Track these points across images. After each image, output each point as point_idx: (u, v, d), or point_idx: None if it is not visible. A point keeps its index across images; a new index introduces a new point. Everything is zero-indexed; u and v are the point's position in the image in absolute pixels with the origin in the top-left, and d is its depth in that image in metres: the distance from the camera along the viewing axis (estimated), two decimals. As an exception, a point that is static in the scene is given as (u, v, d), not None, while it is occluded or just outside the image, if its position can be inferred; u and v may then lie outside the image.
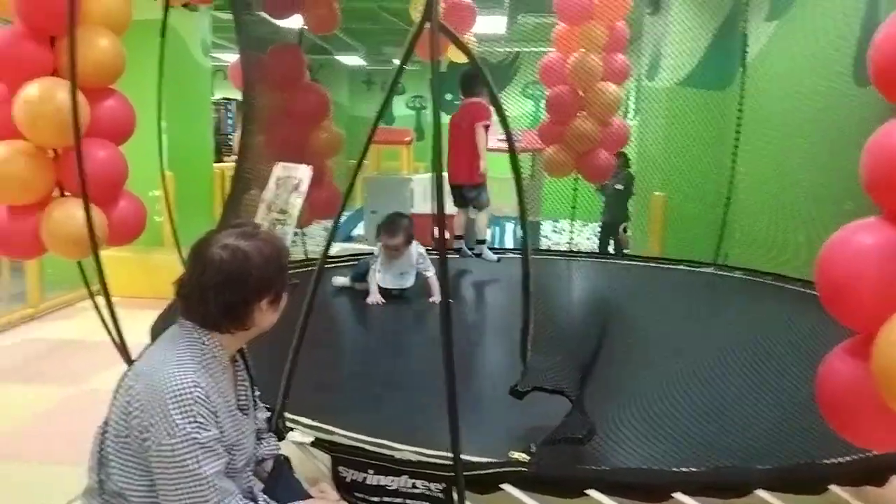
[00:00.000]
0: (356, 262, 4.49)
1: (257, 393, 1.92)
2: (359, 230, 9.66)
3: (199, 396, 1.53)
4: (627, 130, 5.83)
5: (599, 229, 7.87)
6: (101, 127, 2.83)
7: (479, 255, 4.82)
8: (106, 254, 6.39)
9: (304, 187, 2.27)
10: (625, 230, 7.38)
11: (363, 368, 3.11)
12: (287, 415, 2.16)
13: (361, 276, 4.12)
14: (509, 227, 8.24)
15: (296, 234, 5.42)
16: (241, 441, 1.71)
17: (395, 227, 3.99)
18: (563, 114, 5.52)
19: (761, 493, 1.93)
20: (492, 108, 4.49)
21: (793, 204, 5.10)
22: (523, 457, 1.97)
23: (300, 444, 2.10)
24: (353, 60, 14.39)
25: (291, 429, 2.14)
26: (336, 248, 8.63)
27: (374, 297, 3.92)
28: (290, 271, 1.77)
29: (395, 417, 2.42)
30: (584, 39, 5.32)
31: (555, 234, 10.13)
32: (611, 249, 7.49)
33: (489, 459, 1.97)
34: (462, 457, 1.85)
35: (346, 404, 2.56)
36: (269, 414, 2.05)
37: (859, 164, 1.56)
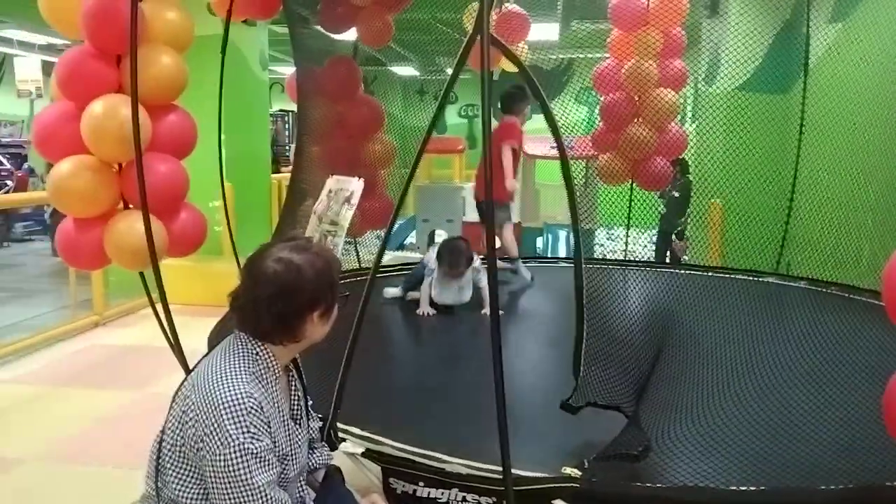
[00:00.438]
0: (409, 272, 4.49)
1: (310, 403, 1.94)
2: (411, 238, 9.71)
3: (252, 407, 1.56)
4: (685, 137, 5.71)
5: (656, 237, 7.70)
6: (162, 142, 2.92)
7: (514, 272, 4.69)
8: (167, 263, 6.54)
9: (355, 200, 2.29)
10: (679, 236, 7.16)
11: (415, 380, 3.11)
12: (339, 425, 2.17)
13: (414, 286, 4.10)
14: (562, 234, 8.17)
15: (349, 242, 5.49)
16: (294, 451, 1.73)
17: (458, 258, 3.90)
18: (617, 121, 5.45)
19: (826, 514, 1.85)
20: (524, 129, 4.45)
21: (859, 212, 4.91)
22: (576, 472, 1.94)
23: (352, 455, 2.11)
24: (406, 71, 14.52)
25: (344, 439, 2.15)
26: (388, 257, 8.71)
27: (425, 308, 3.91)
28: (341, 283, 1.79)
29: (446, 430, 2.41)
30: (640, 46, 5.25)
31: (610, 242, 9.98)
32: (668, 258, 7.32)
33: (541, 474, 1.95)
34: (513, 471, 1.83)
35: (398, 416, 2.56)
36: (321, 424, 2.07)
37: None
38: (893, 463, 1.89)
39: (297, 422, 1.81)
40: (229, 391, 1.56)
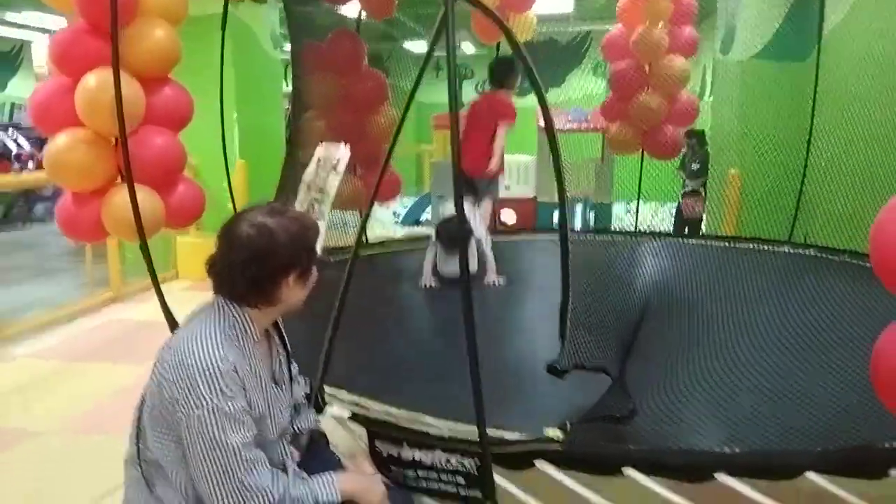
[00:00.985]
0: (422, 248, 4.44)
1: (295, 367, 1.95)
2: (426, 215, 9.70)
3: (226, 369, 1.57)
4: (696, 105, 5.61)
5: (675, 211, 7.57)
6: (157, 115, 2.93)
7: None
8: (181, 240, 6.57)
9: (342, 167, 2.30)
10: (689, 193, 6.92)
11: (406, 346, 3.12)
12: (326, 388, 2.19)
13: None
14: (578, 208, 8.10)
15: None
16: (273, 413, 1.75)
17: (453, 243, 3.77)
18: (626, 89, 5.38)
19: (812, 476, 1.83)
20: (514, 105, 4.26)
21: (875, 179, 4.81)
22: (557, 434, 1.93)
23: (338, 418, 2.13)
24: (420, 47, 14.42)
25: (330, 403, 2.17)
26: (403, 232, 8.73)
27: (427, 280, 3.89)
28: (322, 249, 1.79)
29: (432, 394, 2.42)
30: (649, 12, 5.16)
31: (629, 216, 9.90)
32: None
33: (523, 436, 1.95)
34: (496, 433, 1.84)
35: (386, 381, 2.58)
36: (308, 389, 2.09)
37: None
38: (888, 425, 1.86)
39: (279, 385, 1.82)
40: (203, 354, 1.57)
